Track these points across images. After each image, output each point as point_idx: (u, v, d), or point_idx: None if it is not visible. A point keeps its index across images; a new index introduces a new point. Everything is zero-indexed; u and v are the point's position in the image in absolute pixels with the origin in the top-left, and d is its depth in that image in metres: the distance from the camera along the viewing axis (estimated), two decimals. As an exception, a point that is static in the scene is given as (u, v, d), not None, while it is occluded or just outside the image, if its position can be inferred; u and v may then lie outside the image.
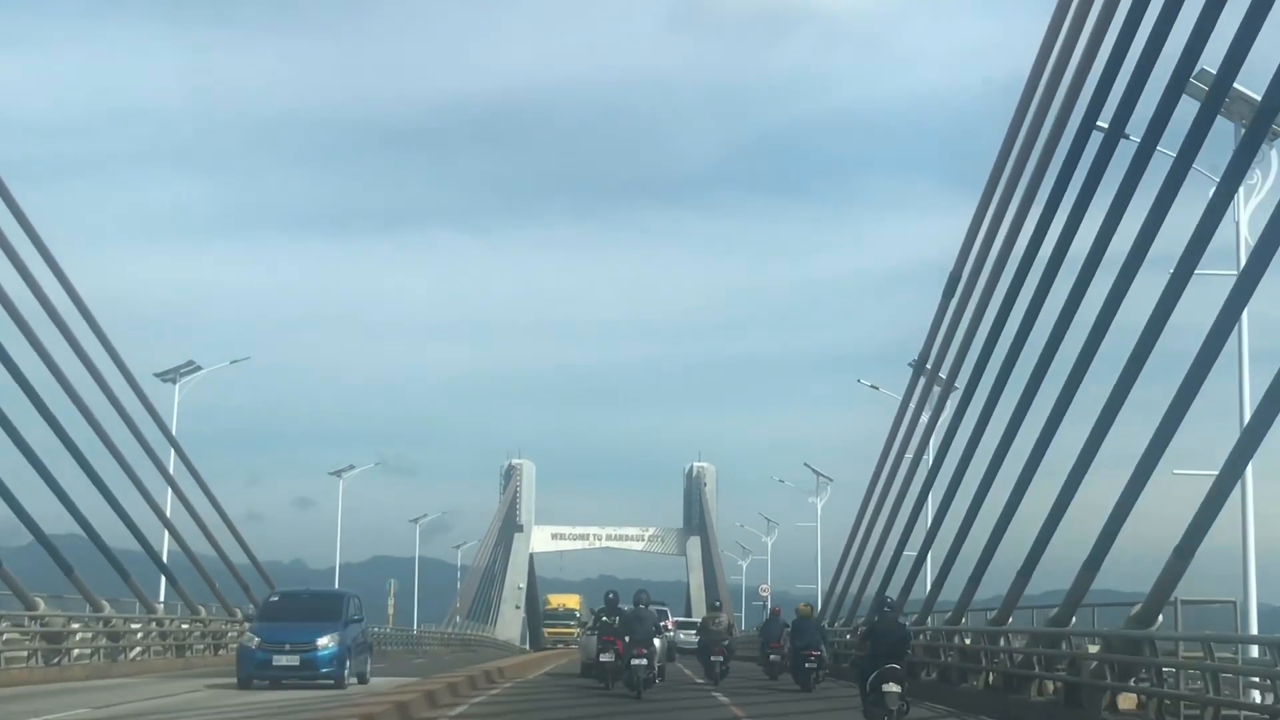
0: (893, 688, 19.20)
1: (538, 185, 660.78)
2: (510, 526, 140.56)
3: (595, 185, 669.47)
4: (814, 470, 75.92)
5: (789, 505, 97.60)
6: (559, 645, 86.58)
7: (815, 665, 32.78)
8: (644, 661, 26.83)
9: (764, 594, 77.62)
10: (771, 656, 36.96)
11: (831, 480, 76.44)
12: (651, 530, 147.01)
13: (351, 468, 78.93)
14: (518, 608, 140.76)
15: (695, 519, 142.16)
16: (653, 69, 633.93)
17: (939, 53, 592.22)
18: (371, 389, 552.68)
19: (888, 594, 27.73)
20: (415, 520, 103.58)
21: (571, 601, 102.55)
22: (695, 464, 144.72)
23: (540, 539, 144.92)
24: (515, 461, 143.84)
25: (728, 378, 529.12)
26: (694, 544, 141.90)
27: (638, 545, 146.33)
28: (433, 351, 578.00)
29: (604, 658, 28.48)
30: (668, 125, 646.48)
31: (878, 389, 56.33)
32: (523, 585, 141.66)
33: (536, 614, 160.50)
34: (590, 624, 34.32)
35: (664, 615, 41.55)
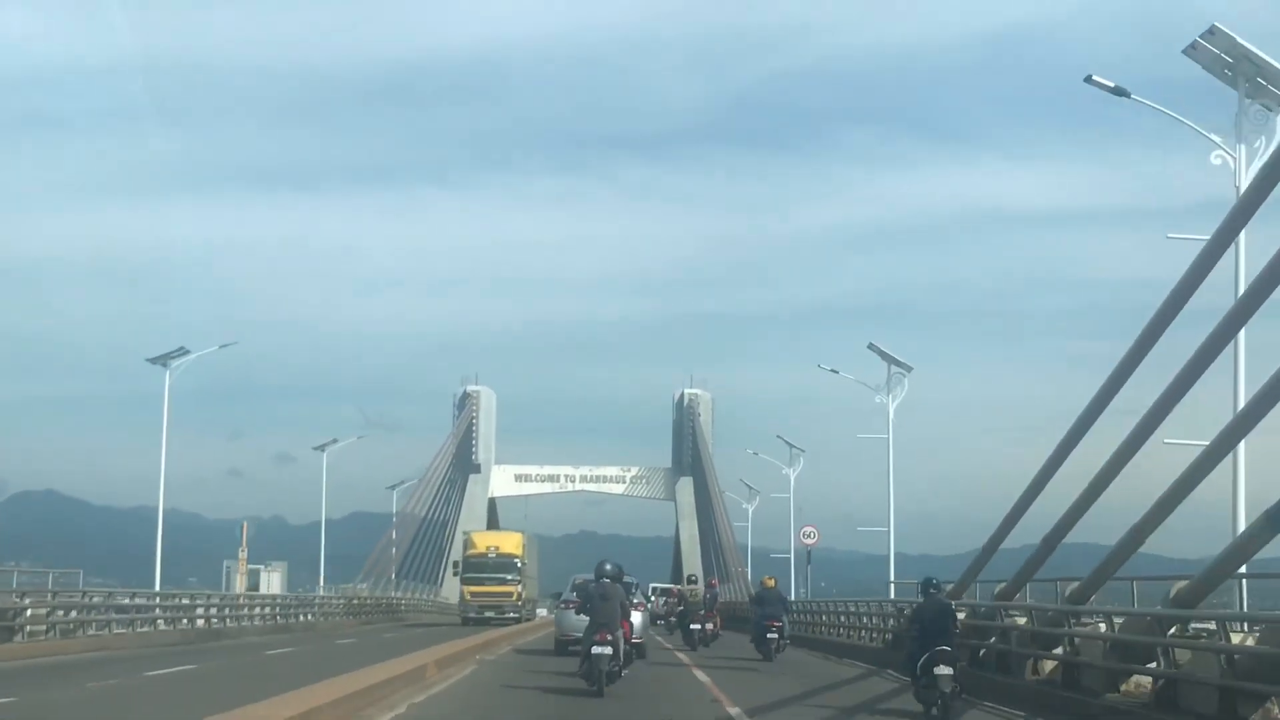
0: (944, 670, 19.18)
1: (515, 139, 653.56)
2: (464, 465, 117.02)
3: (573, 139, 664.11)
4: (885, 356, 50.90)
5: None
6: (488, 616, 59.21)
7: (777, 635, 34.52)
8: (607, 650, 21.60)
9: (809, 541, 52.46)
10: (769, 634, 34.97)
11: (908, 370, 52.00)
12: (635, 470, 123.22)
13: (335, 441, 75.16)
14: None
15: (687, 456, 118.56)
16: (632, 22, 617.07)
17: (920, 4, 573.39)
18: (349, 344, 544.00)
19: (931, 576, 22.24)
20: (392, 487, 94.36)
21: (508, 543, 63.32)
22: (686, 390, 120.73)
23: (501, 481, 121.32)
24: (471, 388, 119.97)
25: (709, 332, 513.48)
26: (685, 486, 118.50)
27: (618, 488, 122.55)
28: (409, 306, 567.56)
29: (597, 649, 22.06)
30: (647, 79, 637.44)
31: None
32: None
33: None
34: (569, 599, 31.33)
35: (629, 589, 30.98)
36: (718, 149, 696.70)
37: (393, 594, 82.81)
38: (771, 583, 37.42)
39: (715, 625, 42.56)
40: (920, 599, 21.13)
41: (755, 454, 79.11)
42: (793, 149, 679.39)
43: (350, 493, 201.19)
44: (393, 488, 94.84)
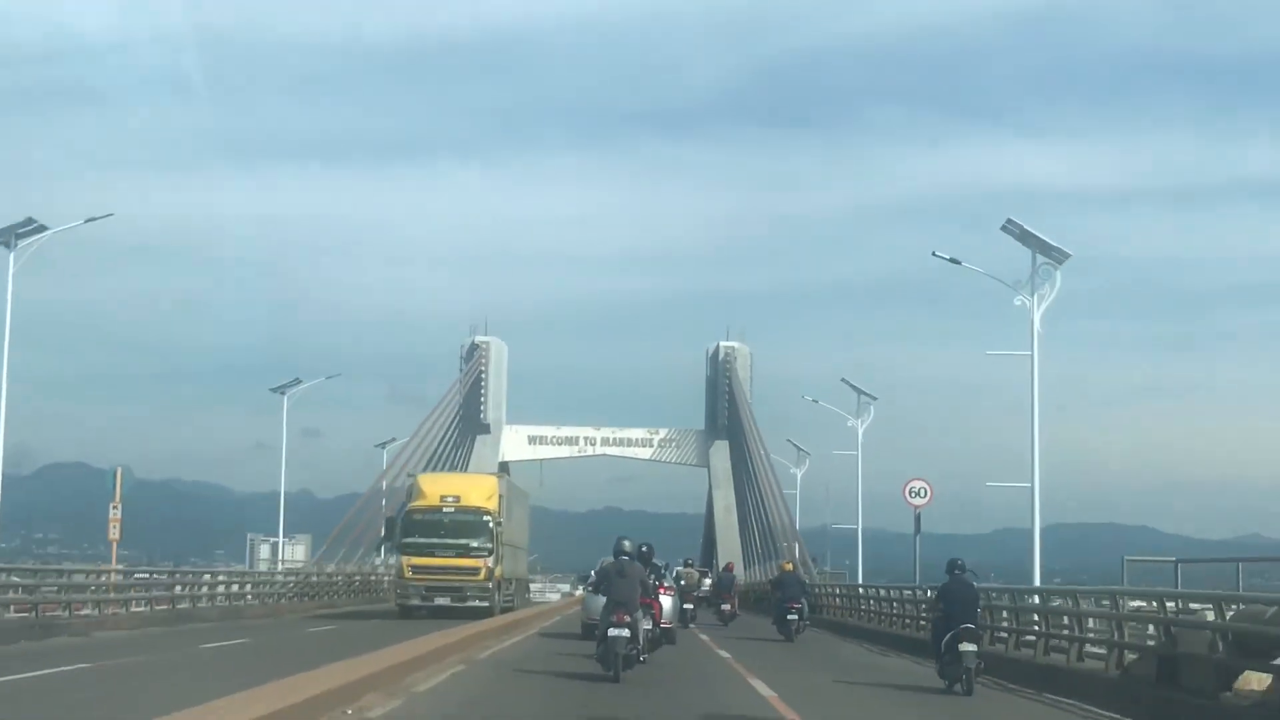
0: (968, 647, 20.02)
1: (540, 115, 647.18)
2: (472, 424, 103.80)
3: (597, 115, 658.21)
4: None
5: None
6: (442, 605, 40.67)
7: (797, 616, 35.31)
8: (624, 632, 19.93)
9: (919, 501, 36.86)
10: (789, 616, 35.42)
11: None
12: (663, 432, 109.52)
13: (298, 381, 61.73)
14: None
15: (722, 417, 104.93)
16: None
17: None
18: (376, 318, 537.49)
19: (958, 557, 22.52)
20: (382, 445, 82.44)
21: (475, 490, 42.77)
22: (721, 343, 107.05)
23: (513, 443, 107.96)
24: (480, 339, 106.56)
25: (734, 309, 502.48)
26: (720, 450, 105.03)
27: (644, 452, 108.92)
28: (435, 281, 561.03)
29: (613, 632, 20.44)
30: (671, 54, 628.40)
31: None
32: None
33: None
34: (591, 582, 25.86)
35: (655, 571, 27.86)
36: (742, 125, 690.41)
37: (377, 566, 69.87)
38: (789, 567, 40.47)
39: (732, 606, 46.39)
40: (947, 579, 21.60)
41: (815, 401, 66.23)
42: (817, 126, 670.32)
43: (378, 465, 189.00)
44: (382, 445, 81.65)
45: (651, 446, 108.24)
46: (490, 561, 40.83)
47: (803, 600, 35.97)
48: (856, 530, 59.76)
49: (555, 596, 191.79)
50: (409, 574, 40.99)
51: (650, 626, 21.87)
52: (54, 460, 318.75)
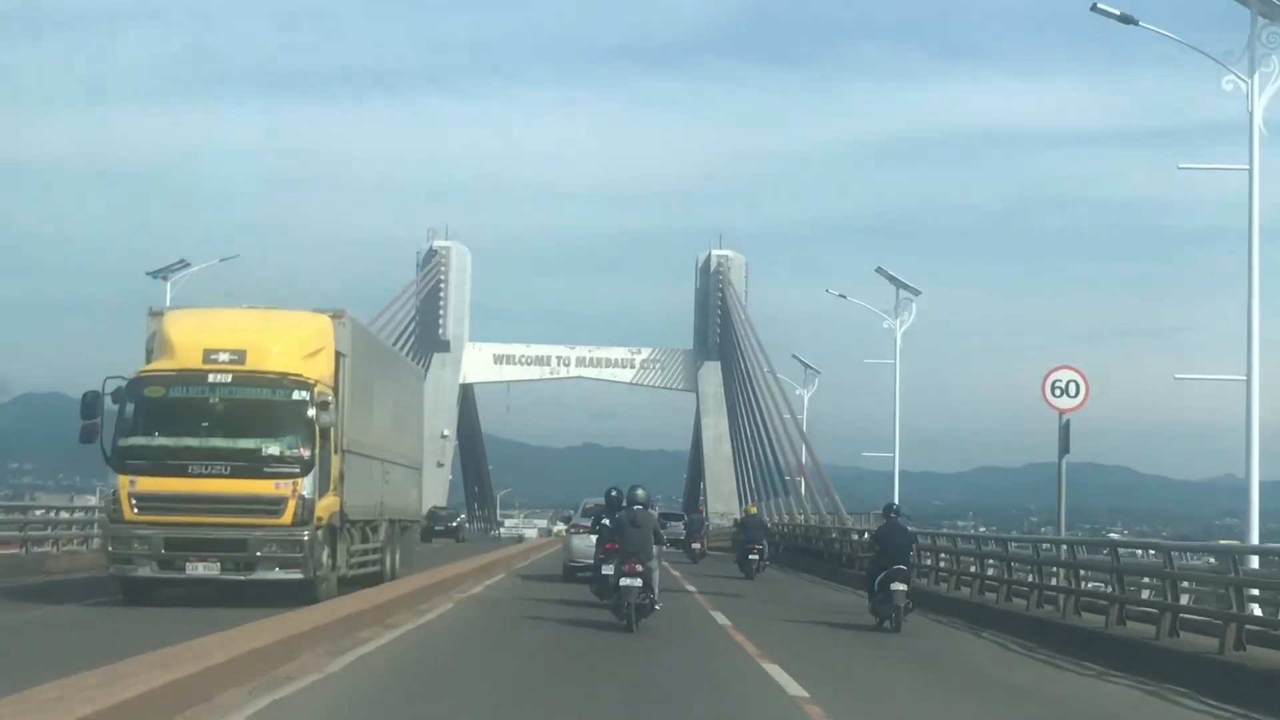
0: (899, 586, 20.74)
1: (522, 49, 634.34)
2: (428, 341, 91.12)
3: (581, 49, 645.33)
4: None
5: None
6: (193, 571, 20.07)
7: (757, 557, 37.59)
8: (637, 582, 19.20)
9: (1068, 402, 25.36)
10: (750, 557, 37.63)
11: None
12: (646, 352, 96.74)
13: (183, 264, 49.65)
14: (440, 465, 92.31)
15: (714, 335, 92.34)
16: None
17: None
18: (356, 252, 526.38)
19: (894, 501, 25.17)
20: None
21: (275, 341, 21.31)
22: (713, 252, 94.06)
23: (476, 363, 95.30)
24: (439, 243, 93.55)
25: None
26: (710, 372, 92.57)
27: (625, 374, 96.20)
28: (411, 213, 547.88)
29: (609, 569, 20.70)
30: None
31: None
32: (449, 432, 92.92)
33: (477, 474, 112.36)
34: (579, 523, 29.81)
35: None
36: (727, 62, 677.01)
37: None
38: (754, 510, 47.05)
39: (702, 546, 48.47)
40: (883, 521, 22.95)
41: (842, 296, 54.72)
42: (802, 63, 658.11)
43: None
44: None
45: (633, 368, 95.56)
46: (306, 484, 20.39)
47: (764, 542, 39.43)
48: (893, 460, 47.46)
49: (532, 534, 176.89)
50: (132, 513, 20.25)
51: (641, 587, 20.59)
52: (28, 389, 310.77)
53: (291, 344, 21.43)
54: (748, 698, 12.98)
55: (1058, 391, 23.17)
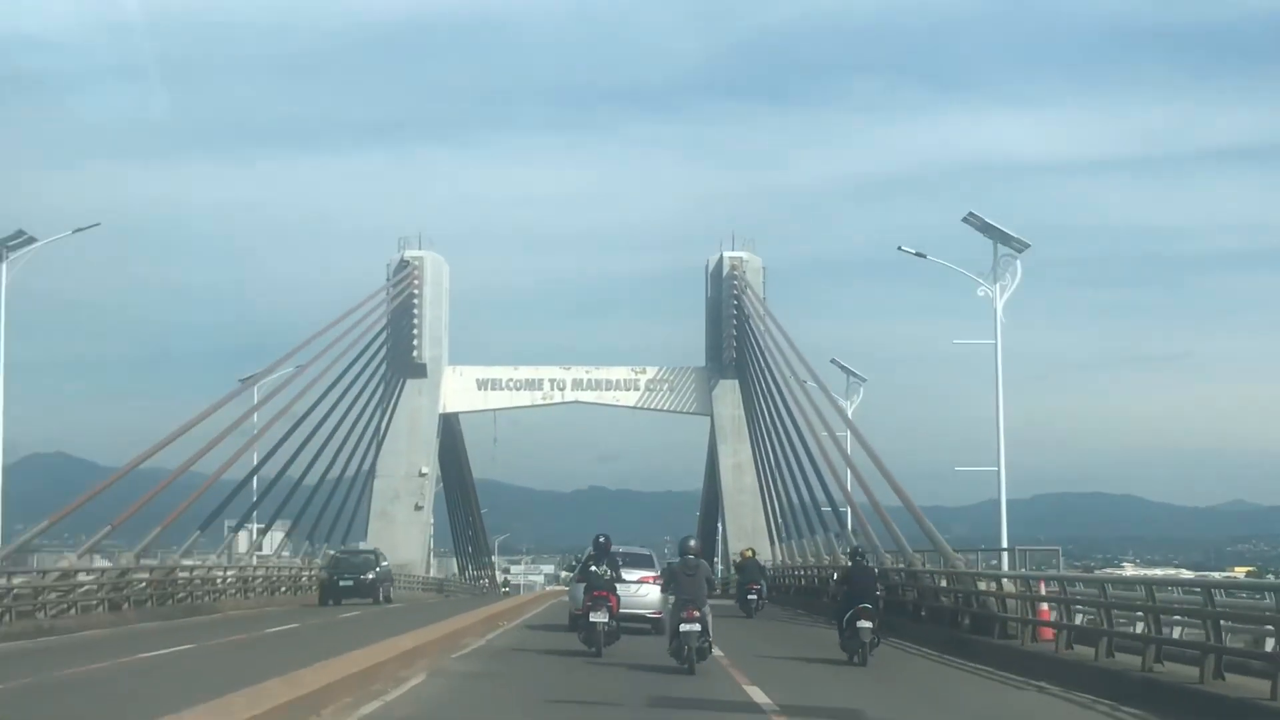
0: (865, 624, 22.78)
1: (518, 95, 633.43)
2: (401, 365, 79.04)
3: (576, 94, 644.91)
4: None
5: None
6: None
7: (756, 596, 42.27)
8: (696, 626, 21.02)
9: None
10: (750, 596, 42.07)
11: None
12: (652, 372, 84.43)
13: (24, 238, 40.11)
14: (418, 507, 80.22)
15: (729, 349, 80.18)
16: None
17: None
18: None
19: (858, 545, 29.83)
20: (247, 379, 59.70)
21: None
22: (726, 254, 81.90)
23: (457, 389, 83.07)
24: (412, 254, 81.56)
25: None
26: (726, 392, 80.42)
27: (629, 397, 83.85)
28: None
29: (595, 617, 23.40)
30: (647, 30, 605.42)
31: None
32: (428, 469, 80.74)
33: (468, 518, 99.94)
34: (575, 572, 28.85)
35: (645, 560, 31.55)
36: (722, 101, 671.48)
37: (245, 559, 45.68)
38: (749, 553, 46.16)
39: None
40: (849, 564, 26.26)
41: (921, 255, 43.09)
42: (797, 100, 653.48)
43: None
44: (247, 380, 56.91)
45: (637, 390, 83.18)
46: None
47: (761, 582, 43.76)
48: (998, 475, 35.46)
49: (539, 579, 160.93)
50: None
51: (607, 619, 23.20)
52: (34, 450, 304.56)
53: None
54: (731, 706, 16.93)
55: None
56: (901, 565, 35.29)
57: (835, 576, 31.50)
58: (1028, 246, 36.90)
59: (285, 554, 58.87)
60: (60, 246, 43.48)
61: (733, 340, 78.66)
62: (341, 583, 47.54)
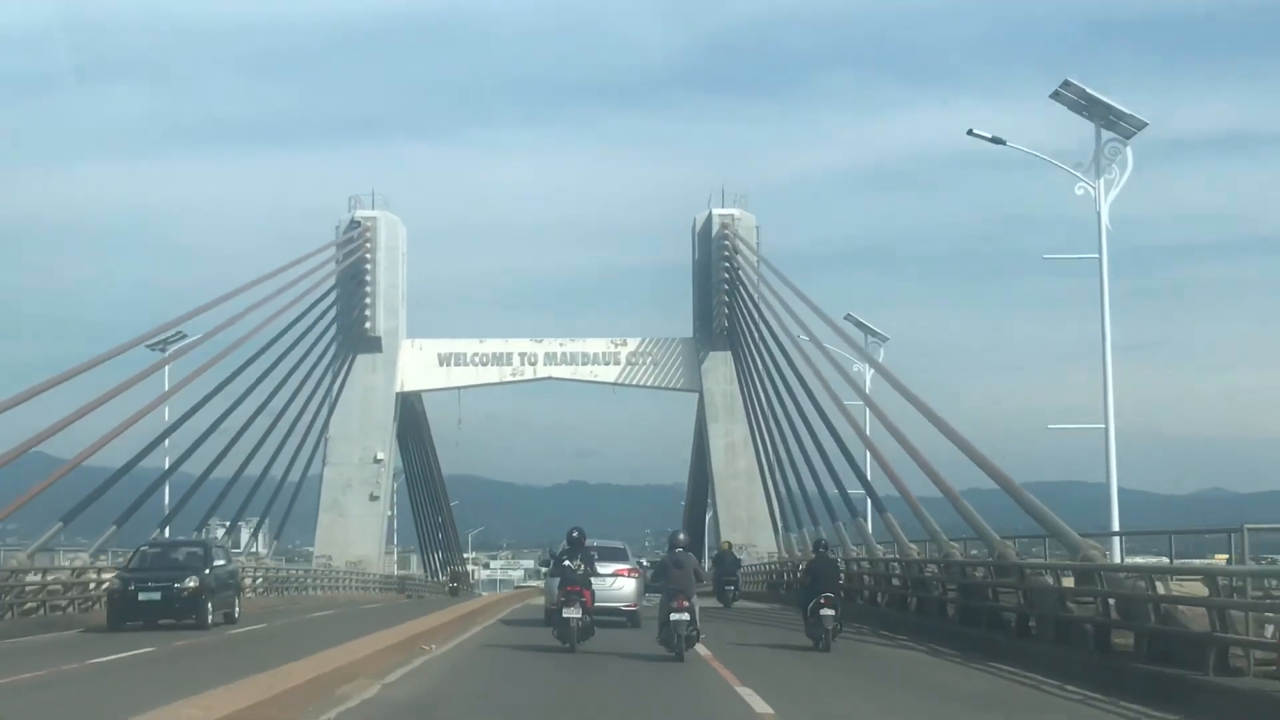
0: (828, 611, 24.09)
1: (492, 90, 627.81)
2: (352, 339, 70.40)
3: (551, 89, 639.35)
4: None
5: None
6: None
7: (733, 588, 44.82)
8: (685, 616, 22.22)
9: None
10: (726, 587, 44.58)
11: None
12: (633, 344, 75.78)
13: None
14: (374, 498, 71.52)
15: (719, 317, 71.57)
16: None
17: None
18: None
19: (822, 537, 34.06)
20: (156, 344, 52.39)
21: None
22: (714, 211, 73.26)
23: (417, 365, 74.36)
24: (364, 214, 72.83)
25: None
26: (717, 366, 71.93)
27: (608, 372, 75.15)
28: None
29: (568, 612, 23.39)
30: (621, 24, 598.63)
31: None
32: (384, 454, 72.03)
33: (435, 510, 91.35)
34: (550, 567, 27.76)
35: (620, 554, 31.08)
36: (697, 95, 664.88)
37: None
38: (727, 546, 49.62)
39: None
40: (813, 555, 27.31)
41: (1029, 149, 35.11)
42: (772, 94, 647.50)
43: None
44: (156, 344, 48.20)
45: (617, 364, 74.44)
46: None
47: (736, 575, 45.84)
48: (1107, 456, 27.32)
49: (518, 574, 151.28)
50: None
51: (580, 615, 23.34)
52: (6, 448, 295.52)
53: None
54: (700, 684, 18.46)
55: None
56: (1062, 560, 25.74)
57: (801, 568, 33.85)
58: (1145, 125, 29.11)
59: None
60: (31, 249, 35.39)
61: (724, 307, 70.09)
62: (143, 596, 31.39)
